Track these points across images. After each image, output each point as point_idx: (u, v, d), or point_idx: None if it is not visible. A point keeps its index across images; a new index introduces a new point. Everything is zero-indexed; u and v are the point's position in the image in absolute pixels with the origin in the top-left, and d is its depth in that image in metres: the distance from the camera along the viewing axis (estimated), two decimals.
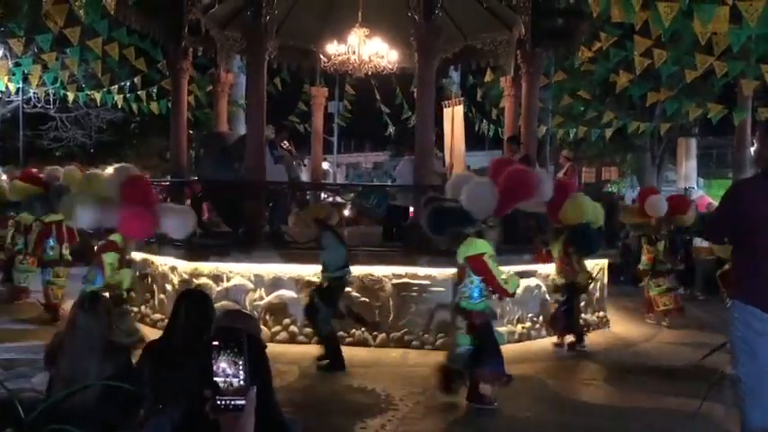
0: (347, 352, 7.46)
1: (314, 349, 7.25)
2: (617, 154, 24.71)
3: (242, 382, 1.57)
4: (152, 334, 7.71)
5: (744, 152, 13.86)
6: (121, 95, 14.91)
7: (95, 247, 6.36)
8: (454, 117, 11.98)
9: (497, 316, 6.55)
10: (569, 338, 7.95)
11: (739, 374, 3.46)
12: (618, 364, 7.30)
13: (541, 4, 9.13)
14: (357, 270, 7.90)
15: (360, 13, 10.10)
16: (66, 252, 9.22)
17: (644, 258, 9.88)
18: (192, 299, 3.62)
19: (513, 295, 6.13)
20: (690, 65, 10.39)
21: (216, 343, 1.56)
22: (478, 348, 5.64)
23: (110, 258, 6.11)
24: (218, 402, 1.57)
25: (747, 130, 13.63)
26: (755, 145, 3.65)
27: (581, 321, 8.30)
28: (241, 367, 1.57)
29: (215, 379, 1.56)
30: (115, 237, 6.24)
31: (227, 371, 1.56)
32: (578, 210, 7.58)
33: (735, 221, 3.51)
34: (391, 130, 19.55)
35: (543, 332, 8.60)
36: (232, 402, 1.57)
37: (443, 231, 6.32)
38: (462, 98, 13.21)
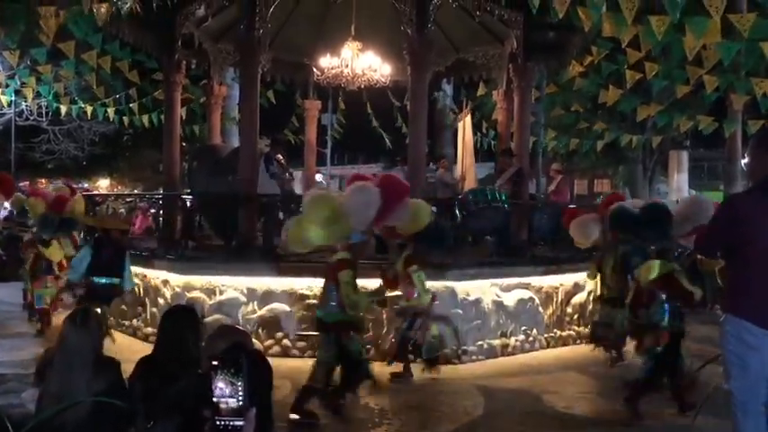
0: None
1: (307, 363, 7.20)
2: (609, 166, 24.82)
3: (241, 403, 1.55)
4: (144, 348, 7.69)
5: (735, 164, 13.93)
6: (114, 108, 14.90)
7: (333, 267, 5.60)
8: (465, 128, 12.05)
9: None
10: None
11: (731, 388, 3.46)
12: (611, 377, 7.29)
13: (533, 19, 9.18)
14: None
15: (353, 27, 10.14)
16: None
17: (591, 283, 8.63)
18: (179, 314, 3.61)
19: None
20: (680, 79, 10.47)
21: (215, 363, 1.55)
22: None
23: (347, 277, 5.53)
24: (217, 423, 1.55)
25: (738, 143, 13.72)
26: (747, 159, 3.67)
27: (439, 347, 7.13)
28: (240, 387, 1.55)
29: (214, 399, 1.54)
30: (344, 254, 5.73)
31: (225, 390, 1.55)
32: (416, 216, 6.70)
33: (728, 235, 3.52)
34: (388, 141, 19.59)
35: (536, 345, 8.61)
36: (231, 423, 1.55)
37: None
38: (469, 108, 13.28)
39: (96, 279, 7.40)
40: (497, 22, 9.96)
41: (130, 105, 14.83)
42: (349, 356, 5.56)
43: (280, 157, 9.73)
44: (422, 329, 6.82)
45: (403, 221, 6.48)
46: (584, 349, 8.70)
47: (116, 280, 7.55)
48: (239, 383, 1.55)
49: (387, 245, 7.41)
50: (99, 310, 7.62)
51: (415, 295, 6.76)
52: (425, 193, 9.03)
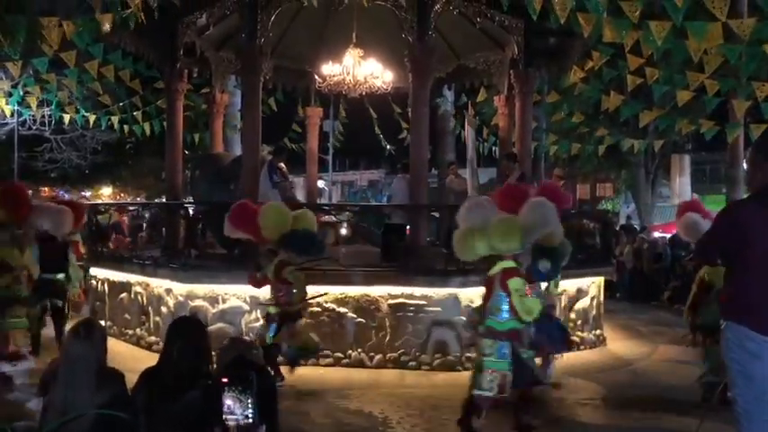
0: (343, 373, 7.46)
1: (310, 371, 7.22)
2: (611, 170, 24.83)
3: (250, 420, 1.55)
4: (148, 357, 7.70)
5: (737, 168, 13.89)
6: (116, 117, 14.95)
7: (501, 275, 5.44)
8: (469, 133, 12.08)
9: None
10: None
11: (735, 396, 3.45)
12: (616, 383, 7.28)
13: (534, 24, 9.21)
14: (353, 291, 7.90)
15: (354, 34, 10.17)
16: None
17: None
18: (187, 326, 3.59)
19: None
20: (681, 84, 10.47)
21: (225, 380, 1.55)
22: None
23: (518, 284, 5.40)
24: None
25: (740, 147, 13.69)
26: (747, 166, 3.66)
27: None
28: (249, 405, 1.55)
29: (224, 417, 1.54)
30: (509, 263, 5.56)
31: (234, 407, 1.55)
32: (276, 219, 6.83)
33: (728, 243, 3.52)
34: (389, 147, 19.63)
35: None
36: None
37: None
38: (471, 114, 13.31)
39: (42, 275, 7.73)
40: (498, 29, 9.99)
41: (134, 114, 14.86)
42: (520, 363, 5.51)
43: (282, 165, 9.74)
44: (290, 333, 6.79)
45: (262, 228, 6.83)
46: (588, 355, 8.70)
47: (60, 275, 7.84)
48: (248, 400, 1.55)
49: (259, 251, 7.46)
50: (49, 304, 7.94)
51: (293, 291, 6.77)
52: (430, 199, 9.06)
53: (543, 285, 6.67)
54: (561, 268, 6.61)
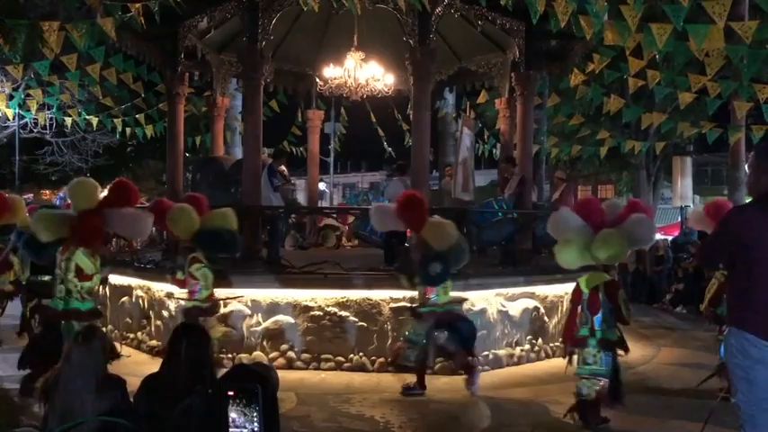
0: (345, 377, 7.44)
1: (311, 375, 7.21)
2: (613, 172, 24.81)
3: None
4: (149, 361, 7.69)
5: (739, 170, 13.90)
6: (120, 120, 14.97)
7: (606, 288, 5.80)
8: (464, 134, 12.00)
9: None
10: None
11: (738, 402, 3.43)
12: None
13: (535, 27, 9.21)
14: (355, 294, 7.89)
15: (355, 37, 10.18)
16: None
17: None
18: (190, 333, 3.58)
19: None
20: (683, 86, 10.46)
21: (231, 393, 1.54)
22: None
23: (625, 295, 6.02)
24: None
25: (742, 149, 13.70)
26: (748, 172, 3.64)
27: None
28: (255, 419, 1.55)
29: (229, 430, 1.53)
30: (605, 275, 5.94)
31: (237, 420, 1.54)
32: (182, 219, 6.95)
33: (730, 248, 3.50)
34: (389, 150, 19.63)
35: (542, 354, 8.57)
36: None
37: None
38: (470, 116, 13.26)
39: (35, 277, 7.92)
40: (499, 31, 9.98)
41: (137, 116, 14.87)
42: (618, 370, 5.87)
43: (283, 168, 9.73)
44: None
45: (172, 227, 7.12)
46: None
47: (47, 278, 7.71)
48: (253, 414, 1.54)
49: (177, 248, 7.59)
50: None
51: (198, 291, 6.88)
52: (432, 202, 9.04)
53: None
54: (452, 274, 6.86)
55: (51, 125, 18.21)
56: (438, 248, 6.72)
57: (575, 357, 5.95)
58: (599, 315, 5.76)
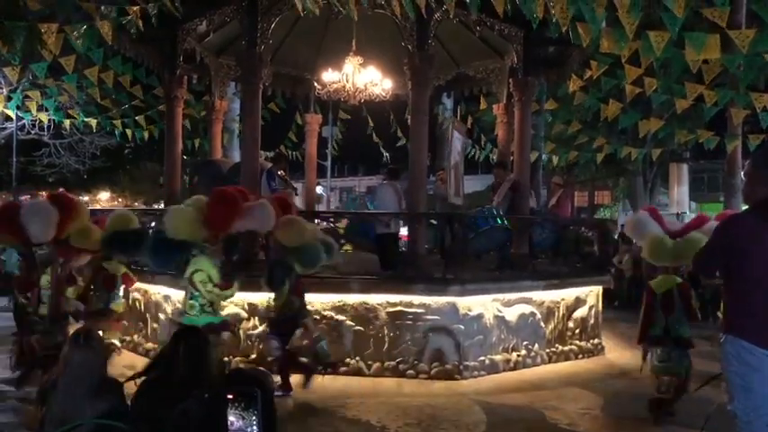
0: (342, 381, 7.44)
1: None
2: (609, 178, 24.90)
3: None
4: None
5: (735, 177, 13.95)
6: (119, 121, 14.98)
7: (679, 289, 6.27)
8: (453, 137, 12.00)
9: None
10: None
11: (735, 410, 3.45)
12: (614, 393, 7.27)
13: (533, 33, 9.24)
14: (351, 298, 7.90)
15: (354, 42, 10.20)
16: None
17: None
18: (191, 339, 3.57)
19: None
20: (680, 93, 10.51)
21: (230, 396, 1.55)
22: None
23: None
24: None
25: (738, 156, 13.75)
26: (744, 180, 3.66)
27: None
28: (254, 422, 1.56)
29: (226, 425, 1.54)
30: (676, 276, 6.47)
31: (236, 424, 1.55)
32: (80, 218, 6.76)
33: (726, 256, 3.52)
34: (386, 155, 19.65)
35: (538, 360, 8.59)
36: None
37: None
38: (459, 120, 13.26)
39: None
40: (497, 37, 10.02)
41: (136, 118, 14.88)
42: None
43: (282, 172, 9.73)
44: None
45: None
46: (586, 364, 8.71)
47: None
48: (252, 418, 1.55)
49: None
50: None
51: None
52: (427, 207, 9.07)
53: None
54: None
55: (49, 127, 18.21)
56: (290, 246, 6.84)
57: (648, 356, 6.33)
58: (674, 315, 6.18)
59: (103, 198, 29.91)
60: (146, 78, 12.88)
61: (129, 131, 15.24)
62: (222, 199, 6.53)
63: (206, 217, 6.49)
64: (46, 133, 19.31)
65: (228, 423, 1.55)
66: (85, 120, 15.23)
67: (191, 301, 6.33)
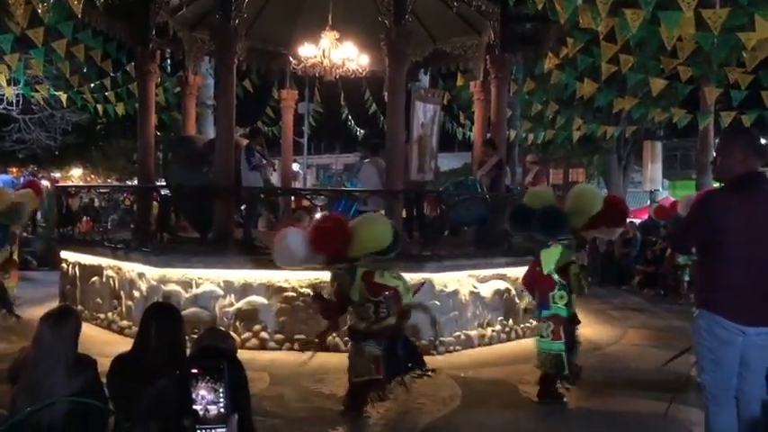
0: (318, 357, 7.45)
1: (285, 355, 7.20)
2: (584, 156, 25.05)
3: (222, 410, 1.55)
4: (120, 341, 7.62)
5: (707, 155, 14.18)
6: (89, 95, 14.65)
7: None
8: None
9: None
10: None
11: (704, 382, 3.53)
12: (586, 367, 7.33)
13: (510, 10, 9.22)
14: (328, 275, 7.86)
15: (330, 17, 10.07)
16: None
17: None
18: (162, 313, 3.55)
19: None
20: (655, 70, 10.57)
21: (195, 371, 1.54)
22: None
23: None
24: (199, 431, 1.55)
25: (711, 134, 13.95)
26: (716, 156, 3.70)
27: None
28: (221, 394, 1.55)
29: (195, 407, 1.53)
30: None
31: (207, 397, 1.54)
32: None
33: (702, 232, 3.58)
34: (361, 132, 19.59)
35: (513, 335, 8.69)
36: (213, 430, 1.55)
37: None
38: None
39: None
40: (474, 13, 9.96)
41: (105, 94, 14.57)
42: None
43: (260, 147, 9.63)
44: None
45: None
46: None
47: None
48: (221, 390, 1.55)
49: None
50: None
51: None
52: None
53: None
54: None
55: (18, 101, 17.78)
56: None
57: None
58: None
59: (76, 175, 29.40)
60: (117, 53, 12.59)
61: (100, 107, 14.93)
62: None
63: None
64: (15, 108, 18.84)
65: (200, 397, 1.53)
66: (55, 93, 14.87)
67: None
